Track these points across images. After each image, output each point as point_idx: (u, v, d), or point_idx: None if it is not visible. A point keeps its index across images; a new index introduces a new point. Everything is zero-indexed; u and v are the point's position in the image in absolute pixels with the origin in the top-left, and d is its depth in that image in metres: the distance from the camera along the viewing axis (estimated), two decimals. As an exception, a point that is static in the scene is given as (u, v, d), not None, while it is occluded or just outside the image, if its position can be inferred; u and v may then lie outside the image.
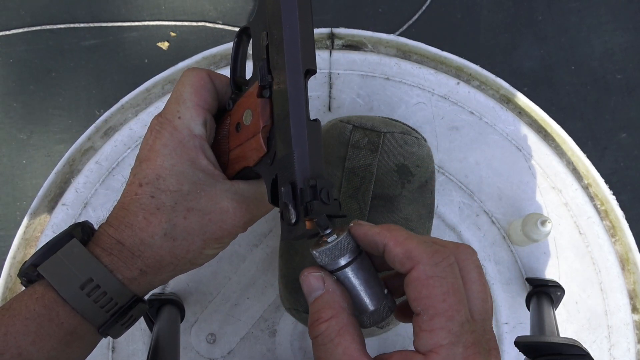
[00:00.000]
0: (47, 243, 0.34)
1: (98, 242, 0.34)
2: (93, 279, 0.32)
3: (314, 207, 0.29)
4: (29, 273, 0.33)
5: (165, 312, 0.51)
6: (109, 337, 0.35)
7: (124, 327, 0.35)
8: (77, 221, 0.57)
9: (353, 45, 0.63)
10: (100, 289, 0.33)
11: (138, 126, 0.59)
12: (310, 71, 0.33)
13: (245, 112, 0.36)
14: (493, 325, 0.57)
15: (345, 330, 0.28)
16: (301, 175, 0.31)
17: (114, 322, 0.34)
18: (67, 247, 0.33)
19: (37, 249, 0.57)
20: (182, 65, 0.62)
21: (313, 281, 0.30)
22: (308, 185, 0.30)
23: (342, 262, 0.30)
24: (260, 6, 0.36)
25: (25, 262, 0.34)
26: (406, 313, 0.33)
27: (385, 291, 0.31)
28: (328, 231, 0.30)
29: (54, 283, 0.32)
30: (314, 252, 0.30)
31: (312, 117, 0.32)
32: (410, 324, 0.29)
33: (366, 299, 0.30)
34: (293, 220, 0.30)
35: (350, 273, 0.30)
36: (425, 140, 0.50)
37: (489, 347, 0.28)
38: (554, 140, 0.62)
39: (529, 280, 0.57)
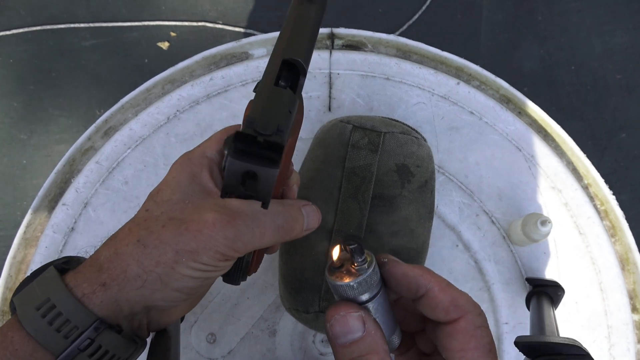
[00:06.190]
0: (29, 274, 0.33)
1: (77, 266, 0.32)
2: (50, 298, 0.30)
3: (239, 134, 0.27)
4: (12, 304, 0.32)
5: (165, 312, 0.51)
6: None
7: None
8: (77, 218, 0.58)
9: (353, 45, 0.63)
10: (56, 308, 0.29)
11: (138, 126, 0.59)
12: (297, 63, 0.30)
13: None
14: (493, 325, 0.57)
15: None
16: (246, 121, 0.28)
17: (77, 352, 0.30)
18: (43, 274, 0.32)
19: (37, 249, 0.57)
20: (182, 65, 0.62)
21: (352, 322, 0.27)
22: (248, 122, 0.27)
23: (374, 291, 0.27)
24: None
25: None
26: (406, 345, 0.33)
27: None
28: (361, 258, 0.27)
29: (16, 306, 0.30)
30: (351, 283, 0.27)
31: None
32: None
33: (384, 331, 0.29)
34: (223, 164, 0.27)
35: (376, 305, 0.28)
36: (425, 140, 0.50)
37: None
38: (554, 140, 0.62)
39: (529, 280, 0.57)
